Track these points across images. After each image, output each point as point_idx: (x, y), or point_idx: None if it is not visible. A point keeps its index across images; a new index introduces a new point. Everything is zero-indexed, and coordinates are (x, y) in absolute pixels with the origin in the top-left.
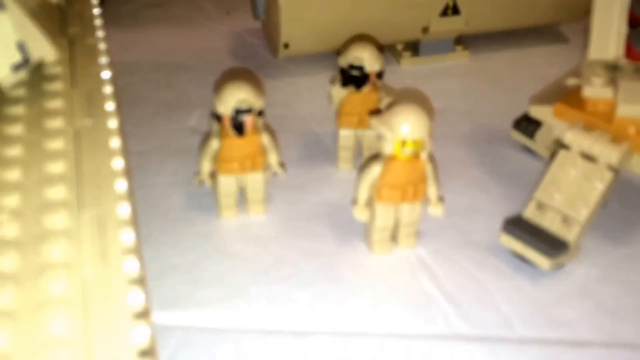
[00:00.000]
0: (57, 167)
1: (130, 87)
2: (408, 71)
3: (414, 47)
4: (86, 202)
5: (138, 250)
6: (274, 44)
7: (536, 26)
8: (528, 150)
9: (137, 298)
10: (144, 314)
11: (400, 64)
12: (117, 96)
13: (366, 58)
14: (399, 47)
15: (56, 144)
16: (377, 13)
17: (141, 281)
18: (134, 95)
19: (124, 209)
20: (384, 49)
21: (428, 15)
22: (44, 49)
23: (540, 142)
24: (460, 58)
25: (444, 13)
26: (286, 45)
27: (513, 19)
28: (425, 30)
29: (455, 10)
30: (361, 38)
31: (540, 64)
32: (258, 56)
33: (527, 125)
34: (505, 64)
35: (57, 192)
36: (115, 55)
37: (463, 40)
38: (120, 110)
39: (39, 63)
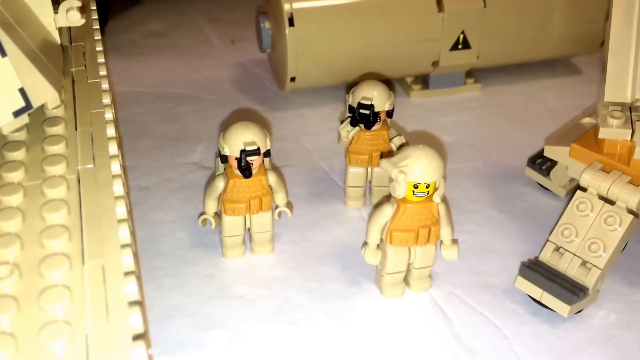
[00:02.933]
0: (58, 217)
1: (132, 119)
2: (418, 104)
3: (423, 80)
4: (88, 253)
5: (140, 297)
6: (281, 77)
7: (548, 59)
8: (543, 188)
9: (140, 354)
10: None
11: (409, 96)
12: (119, 136)
13: (376, 97)
14: (409, 79)
15: (58, 192)
16: (386, 47)
17: (144, 335)
18: (136, 127)
19: (127, 259)
20: (394, 86)
21: (438, 49)
22: (47, 94)
23: (556, 181)
24: (471, 91)
25: (455, 47)
26: (293, 79)
27: (525, 52)
28: (435, 64)
29: (466, 45)
30: (371, 76)
31: (553, 97)
32: (264, 87)
33: (542, 163)
34: (518, 97)
35: (58, 244)
36: (117, 85)
37: (474, 73)
38: (121, 142)
39: (42, 106)
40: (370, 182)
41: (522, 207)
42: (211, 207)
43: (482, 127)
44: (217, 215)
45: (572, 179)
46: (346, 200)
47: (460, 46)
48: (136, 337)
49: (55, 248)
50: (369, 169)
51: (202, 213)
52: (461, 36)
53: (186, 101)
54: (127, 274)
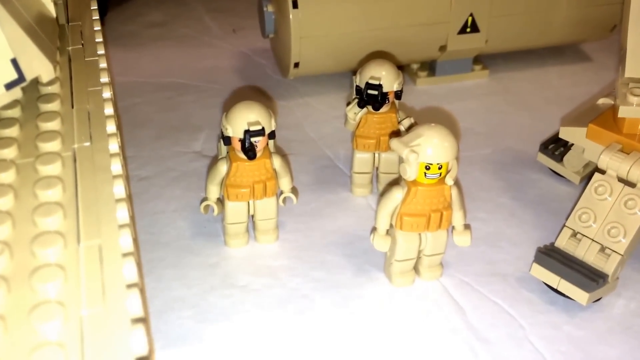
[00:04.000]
0: (52, 194)
1: (132, 108)
2: (424, 91)
3: (430, 67)
4: (84, 232)
5: (140, 284)
6: (284, 63)
7: (558, 45)
8: (556, 174)
9: (139, 340)
10: (147, 358)
11: (416, 84)
12: (118, 117)
13: (384, 77)
14: (415, 66)
15: (52, 169)
16: (393, 31)
17: (144, 319)
18: (136, 117)
19: (126, 240)
20: (402, 67)
21: (446, 32)
22: (41, 67)
23: (569, 167)
24: (479, 78)
25: (463, 30)
26: (296, 65)
27: (534, 37)
28: (442, 48)
29: (474, 28)
30: (379, 55)
31: (564, 84)
32: (266, 76)
33: (555, 148)
34: (527, 84)
35: (52, 222)
36: (117, 76)
37: (482, 59)
38: (121, 132)
39: (36, 82)
40: (377, 168)
41: (534, 194)
42: (213, 192)
43: (491, 114)
44: (220, 201)
45: (587, 165)
46: (352, 187)
47: (468, 29)
48: (135, 321)
49: (48, 226)
50: (377, 155)
51: (204, 199)
52: (469, 19)
53: (187, 90)
54: (125, 255)
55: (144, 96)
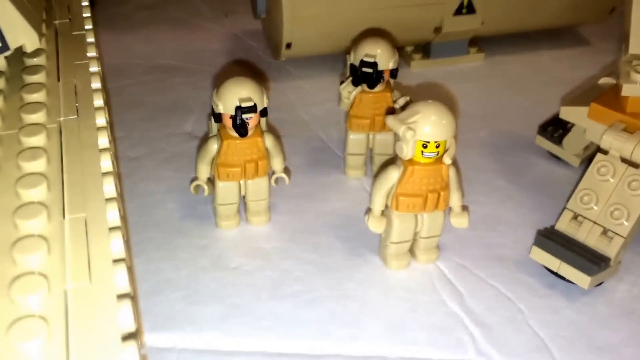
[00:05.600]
0: (36, 166)
1: (122, 90)
2: (418, 74)
3: (424, 49)
4: (69, 205)
5: (128, 262)
6: (276, 44)
7: (555, 28)
8: (554, 157)
9: (126, 317)
10: (134, 335)
11: (410, 67)
12: (107, 96)
13: (380, 55)
14: (409, 49)
15: (36, 140)
16: (387, 11)
17: (132, 297)
18: (127, 98)
19: (113, 214)
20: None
21: (441, 13)
22: (25, 36)
23: (569, 149)
24: (474, 61)
25: (458, 11)
26: (288, 46)
27: (532, 19)
28: (437, 30)
29: (470, 9)
30: (374, 32)
31: (561, 68)
32: (258, 58)
33: (554, 130)
34: (523, 68)
35: (36, 193)
36: (108, 57)
37: (477, 42)
38: (110, 110)
39: (21, 54)
40: (371, 149)
41: (532, 177)
42: (204, 172)
43: (488, 97)
44: (210, 181)
45: (587, 147)
46: (346, 169)
47: (464, 10)
48: (122, 297)
49: (32, 197)
50: (371, 136)
51: (194, 179)
52: None
53: (178, 73)
54: (112, 229)
55: (134, 78)
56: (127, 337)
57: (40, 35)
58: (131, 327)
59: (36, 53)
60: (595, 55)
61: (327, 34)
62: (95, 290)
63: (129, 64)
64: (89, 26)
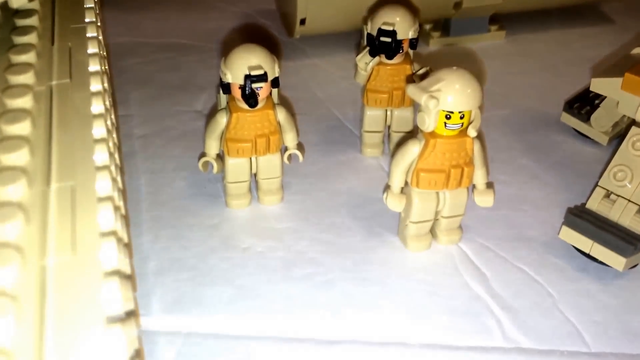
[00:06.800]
0: (18, 129)
1: (132, 67)
2: (437, 53)
3: (444, 27)
4: (56, 172)
5: (125, 238)
6: (290, 21)
7: (578, 5)
8: (581, 135)
9: (114, 296)
10: (124, 319)
11: (428, 44)
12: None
13: (399, 23)
14: (427, 26)
15: (21, 102)
16: None
17: (126, 276)
18: (137, 76)
19: (103, 184)
20: (419, 12)
21: None
22: None
23: (597, 126)
24: (495, 39)
25: None
26: (303, 22)
27: None
28: (457, 6)
29: None
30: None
31: (585, 46)
32: (271, 37)
33: (581, 107)
34: (546, 46)
35: (15, 158)
36: (118, 36)
37: (498, 19)
38: (112, 84)
39: (14, 15)
40: (389, 126)
41: (558, 155)
42: (213, 147)
43: (509, 74)
44: (220, 158)
45: (616, 124)
46: (362, 147)
47: None
48: (109, 274)
49: (10, 162)
50: (389, 112)
51: (202, 154)
52: None
53: (189, 51)
54: (101, 200)
55: (145, 56)
56: (114, 319)
57: None
58: (119, 308)
59: (28, 14)
60: (620, 33)
61: (341, 9)
62: (78, 265)
63: (140, 43)
64: None
